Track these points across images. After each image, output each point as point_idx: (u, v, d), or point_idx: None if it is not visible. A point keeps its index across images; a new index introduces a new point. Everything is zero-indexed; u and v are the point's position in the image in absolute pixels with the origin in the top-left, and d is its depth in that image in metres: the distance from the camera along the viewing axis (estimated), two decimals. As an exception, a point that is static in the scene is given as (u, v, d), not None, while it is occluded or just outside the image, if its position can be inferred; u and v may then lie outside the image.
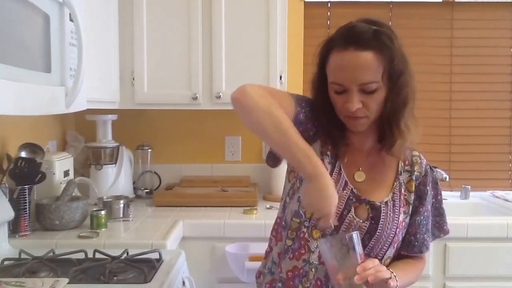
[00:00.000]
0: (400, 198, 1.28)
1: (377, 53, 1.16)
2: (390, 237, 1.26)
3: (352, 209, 1.25)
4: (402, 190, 1.29)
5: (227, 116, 2.62)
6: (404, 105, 1.22)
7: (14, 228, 1.82)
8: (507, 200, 2.55)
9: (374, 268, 1.11)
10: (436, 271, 2.16)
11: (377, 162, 1.31)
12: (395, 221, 1.26)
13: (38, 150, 2.00)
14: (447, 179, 2.41)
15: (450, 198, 2.63)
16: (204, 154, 2.75)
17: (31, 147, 1.99)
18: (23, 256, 1.58)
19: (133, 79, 2.33)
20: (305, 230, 1.25)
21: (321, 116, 1.28)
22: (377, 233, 1.25)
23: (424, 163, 1.34)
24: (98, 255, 1.60)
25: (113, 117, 2.48)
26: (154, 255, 1.59)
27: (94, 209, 2.00)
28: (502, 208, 2.50)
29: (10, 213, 1.73)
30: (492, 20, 2.77)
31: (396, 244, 1.28)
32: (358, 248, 1.13)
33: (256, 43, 2.33)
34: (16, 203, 1.81)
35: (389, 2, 2.75)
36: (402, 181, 1.30)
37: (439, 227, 1.37)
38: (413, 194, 1.30)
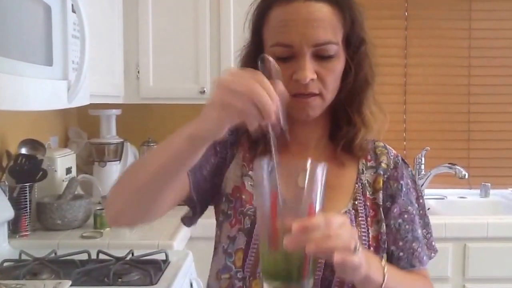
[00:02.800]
0: (365, 203, 0.97)
1: (334, 8, 0.91)
2: None
3: None
4: (368, 193, 0.99)
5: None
6: (368, 83, 0.97)
7: (14, 228, 1.79)
8: (528, 198, 2.51)
9: (324, 231, 0.70)
10: (455, 272, 2.12)
11: (330, 162, 0.94)
12: (364, 237, 0.94)
13: (39, 146, 1.97)
14: (466, 177, 2.35)
15: (469, 196, 2.59)
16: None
17: (32, 143, 1.95)
18: (24, 257, 1.56)
19: (138, 72, 2.29)
20: (240, 284, 0.94)
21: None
22: None
23: (392, 153, 1.05)
24: (102, 256, 1.59)
25: (117, 112, 2.43)
26: (161, 256, 1.58)
27: (98, 208, 1.97)
28: (524, 206, 2.47)
29: (10, 212, 1.71)
30: (511, 11, 2.71)
31: None
32: (318, 185, 0.74)
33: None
34: (16, 201, 1.78)
35: (405, -8, 2.71)
36: (365, 182, 1.00)
37: (427, 243, 1.03)
38: (380, 191, 0.99)
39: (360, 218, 0.95)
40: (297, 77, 0.89)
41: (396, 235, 0.98)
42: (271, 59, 0.79)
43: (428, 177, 2.46)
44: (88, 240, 1.78)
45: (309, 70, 0.88)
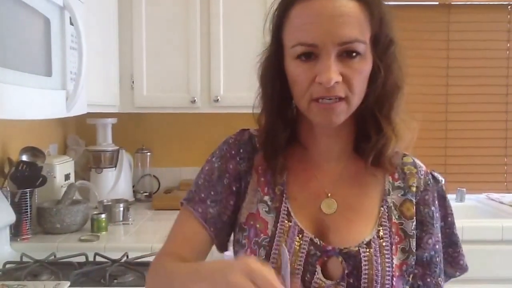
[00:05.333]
0: (391, 230, 0.88)
1: (361, 4, 0.82)
2: None
3: (318, 268, 0.85)
4: (394, 217, 0.89)
5: (226, 119, 2.63)
6: (398, 87, 0.87)
7: (16, 232, 1.84)
8: (502, 203, 2.57)
9: None
10: None
11: (355, 179, 0.91)
12: (388, 268, 0.85)
13: (39, 153, 2.02)
14: (443, 182, 2.42)
15: (445, 201, 2.64)
16: (203, 157, 2.65)
17: (32, 150, 2.01)
18: (25, 259, 1.60)
19: (133, 82, 2.35)
20: None
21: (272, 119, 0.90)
22: None
23: (422, 172, 0.94)
24: (98, 259, 1.62)
25: (113, 120, 2.50)
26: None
27: (95, 212, 2.02)
28: (497, 210, 2.51)
29: (11, 217, 1.75)
30: (489, 22, 2.78)
31: None
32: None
33: (255, 46, 2.33)
34: (18, 206, 1.83)
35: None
36: (391, 204, 0.90)
37: (452, 262, 0.96)
38: (412, 221, 0.89)
39: (384, 248, 0.86)
40: (321, 80, 0.79)
41: (426, 269, 0.90)
42: (286, 254, 0.76)
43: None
44: (85, 243, 1.82)
45: (334, 72, 0.79)
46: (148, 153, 2.69)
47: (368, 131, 0.88)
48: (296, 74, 0.83)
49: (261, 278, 0.65)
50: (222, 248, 0.96)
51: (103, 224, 1.97)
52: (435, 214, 0.91)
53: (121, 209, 2.15)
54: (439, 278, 0.92)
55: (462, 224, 2.16)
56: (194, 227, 0.92)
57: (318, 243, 0.86)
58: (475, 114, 2.81)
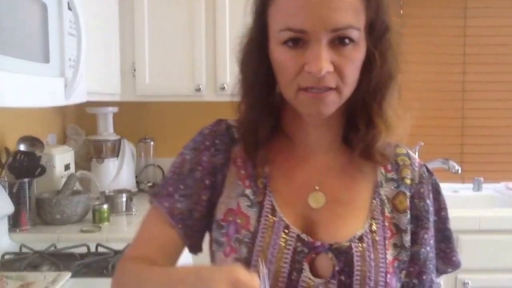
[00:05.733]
0: (383, 224, 0.83)
1: None
2: None
3: (306, 266, 0.78)
4: (387, 211, 0.84)
5: (232, 108, 2.57)
6: (391, 77, 0.81)
7: (14, 223, 1.80)
8: (520, 192, 2.52)
9: None
10: None
11: (345, 171, 0.85)
12: (381, 264, 0.80)
13: (38, 143, 1.97)
14: (460, 171, 2.37)
15: (462, 191, 2.60)
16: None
17: (31, 140, 1.96)
18: (24, 250, 1.57)
19: (134, 70, 2.29)
20: None
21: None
22: None
23: (416, 163, 0.88)
24: (100, 249, 1.59)
25: (114, 109, 2.44)
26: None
27: (97, 203, 1.98)
28: (516, 200, 2.48)
29: (9, 207, 1.71)
30: (507, 8, 2.71)
31: None
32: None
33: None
34: (16, 197, 1.79)
35: (400, -10, 2.69)
36: (384, 197, 0.84)
37: (445, 258, 0.90)
38: (405, 214, 0.84)
39: (377, 243, 0.81)
40: (310, 69, 0.72)
41: (423, 266, 0.85)
42: (264, 270, 0.67)
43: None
44: (87, 234, 1.79)
45: (325, 61, 0.72)
46: (152, 143, 2.63)
47: (358, 122, 0.83)
48: (283, 60, 0.76)
49: None
50: (195, 249, 0.87)
51: (105, 215, 1.93)
52: (430, 208, 0.86)
53: (124, 199, 2.11)
54: (432, 275, 0.86)
55: (479, 213, 2.14)
56: (161, 225, 0.84)
57: (306, 239, 0.79)
58: (492, 102, 2.75)
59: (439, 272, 0.90)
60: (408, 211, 0.84)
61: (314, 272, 0.78)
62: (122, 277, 0.82)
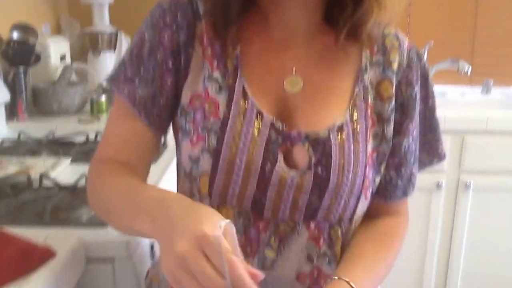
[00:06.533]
0: (366, 112, 0.75)
1: None
2: (356, 184, 0.74)
3: (280, 156, 0.72)
4: (370, 98, 0.76)
5: None
6: None
7: (11, 112, 1.77)
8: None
9: None
10: (451, 164, 2.11)
11: (326, 54, 0.76)
12: (361, 157, 0.74)
13: (31, 31, 1.87)
14: (469, 72, 2.29)
15: (470, 94, 2.53)
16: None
17: (24, 28, 1.86)
18: (23, 138, 1.55)
19: (130, -44, 2.13)
20: None
21: None
22: (330, 185, 0.72)
23: (405, 46, 0.79)
24: (100, 138, 1.54)
25: (110, 0, 2.30)
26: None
27: (95, 95, 1.92)
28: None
29: (5, 95, 1.67)
30: None
31: (368, 192, 0.77)
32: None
33: None
34: (12, 86, 1.73)
35: None
36: (367, 84, 0.76)
37: (430, 149, 0.84)
38: (389, 102, 0.76)
39: (358, 133, 0.74)
40: None
41: (403, 159, 0.79)
42: (232, 229, 0.54)
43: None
44: (85, 125, 1.76)
45: None
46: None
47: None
48: None
49: (213, 252, 0.51)
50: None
51: (103, 106, 1.89)
52: (417, 96, 0.78)
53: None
54: (412, 168, 0.81)
55: (487, 114, 2.10)
56: (123, 117, 0.76)
57: (281, 128, 0.72)
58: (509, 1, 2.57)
59: (424, 164, 0.85)
60: (393, 99, 0.76)
61: (289, 163, 0.72)
62: (96, 185, 0.77)
